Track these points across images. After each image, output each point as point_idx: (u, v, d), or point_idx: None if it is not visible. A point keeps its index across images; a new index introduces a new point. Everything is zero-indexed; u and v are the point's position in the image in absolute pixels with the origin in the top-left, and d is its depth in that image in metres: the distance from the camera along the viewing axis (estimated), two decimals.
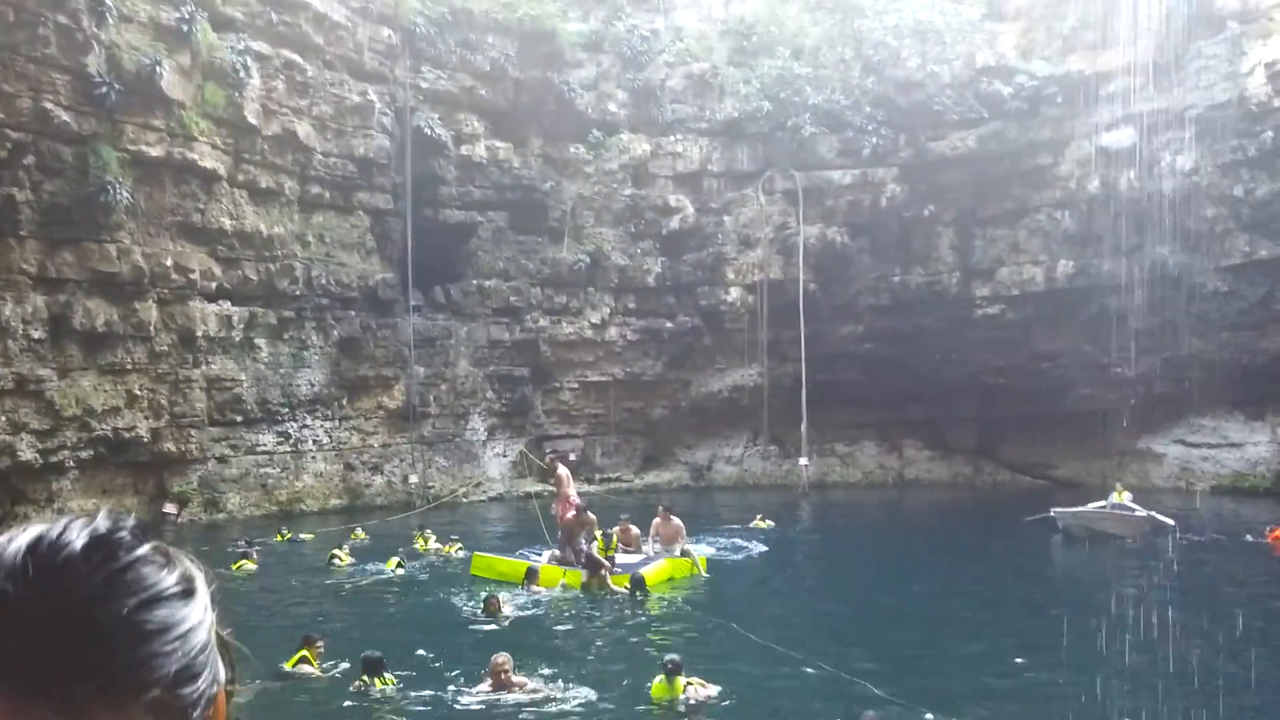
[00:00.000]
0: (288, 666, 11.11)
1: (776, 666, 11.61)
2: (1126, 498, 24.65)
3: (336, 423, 28.37)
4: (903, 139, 32.86)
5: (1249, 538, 21.62)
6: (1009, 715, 9.54)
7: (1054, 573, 19.96)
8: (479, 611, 13.78)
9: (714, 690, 10.06)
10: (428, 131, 29.62)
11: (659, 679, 10.08)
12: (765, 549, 21.57)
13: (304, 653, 11.16)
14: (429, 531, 21.96)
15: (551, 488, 19.29)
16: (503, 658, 9.89)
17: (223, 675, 0.92)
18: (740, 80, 33.67)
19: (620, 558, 17.26)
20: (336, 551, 19.19)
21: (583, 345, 32.86)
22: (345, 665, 11.15)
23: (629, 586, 15.57)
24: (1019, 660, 12.26)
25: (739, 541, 22.29)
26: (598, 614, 14.54)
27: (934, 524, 27.93)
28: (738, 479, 35.25)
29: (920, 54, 32.26)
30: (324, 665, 11.19)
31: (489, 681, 9.88)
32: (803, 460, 33.42)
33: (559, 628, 13.68)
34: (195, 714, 0.87)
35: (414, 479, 29.34)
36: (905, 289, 33.90)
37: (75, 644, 0.81)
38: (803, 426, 33.21)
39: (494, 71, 31.05)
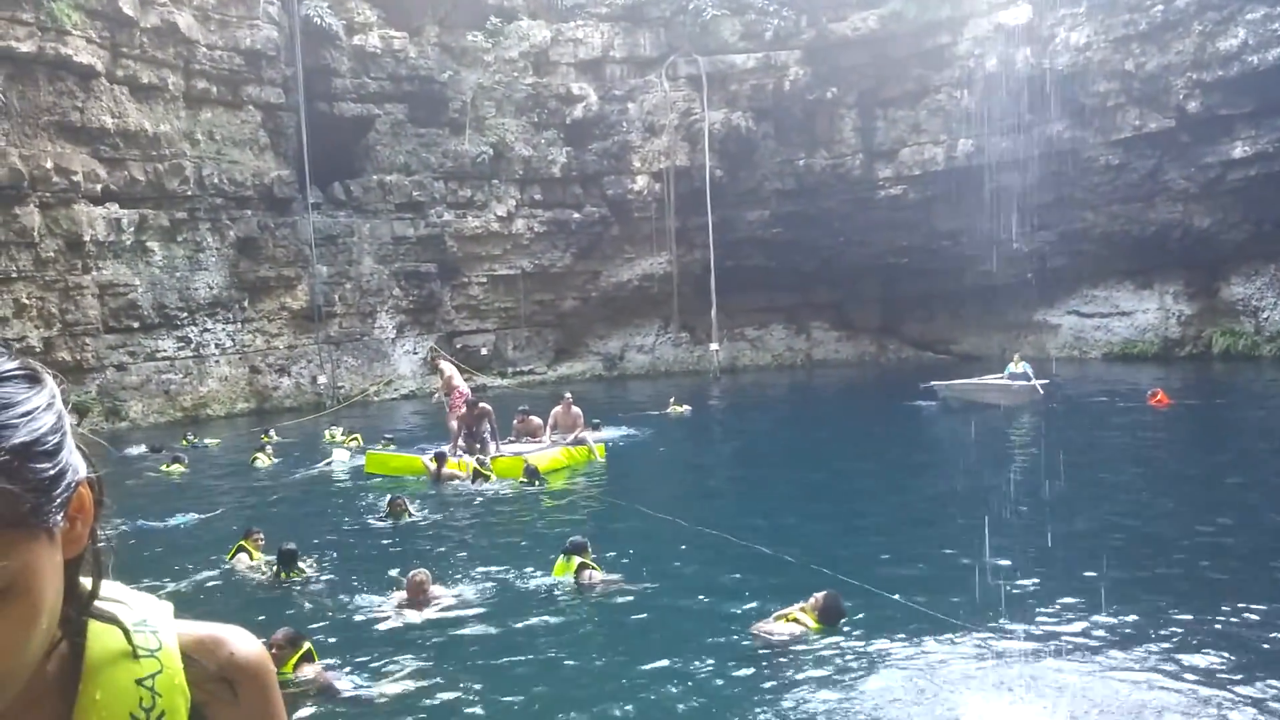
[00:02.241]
0: (227, 558, 11.40)
1: (677, 542, 12.03)
2: (1024, 367, 25.55)
3: (239, 325, 27.96)
4: (804, 21, 32.65)
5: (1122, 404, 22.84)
6: (906, 577, 10.14)
7: (942, 441, 20.80)
8: (383, 515, 13.51)
9: (612, 577, 10.16)
10: (317, 21, 28.55)
11: (560, 559, 10.37)
12: (669, 433, 22.12)
13: (242, 544, 11.44)
14: (339, 429, 22.11)
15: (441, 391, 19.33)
16: (422, 575, 9.43)
17: (83, 469, 0.97)
18: None
19: (520, 447, 17.60)
20: (258, 454, 19.26)
21: (489, 239, 32.63)
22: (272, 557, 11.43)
23: (523, 475, 15.83)
24: (911, 527, 12.94)
25: (648, 428, 22.80)
26: (499, 507, 14.76)
27: (835, 402, 28.83)
28: (650, 367, 35.79)
29: None
30: (267, 558, 11.39)
31: (404, 595, 9.41)
32: (713, 346, 34.06)
33: (462, 524, 13.82)
34: (56, 492, 0.91)
35: (323, 379, 29.22)
36: (810, 172, 34.16)
37: None
38: (712, 313, 33.73)
39: None
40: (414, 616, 9.17)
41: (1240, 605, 8.55)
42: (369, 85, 30.33)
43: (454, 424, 17.71)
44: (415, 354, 31.11)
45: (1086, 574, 9.61)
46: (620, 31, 33.20)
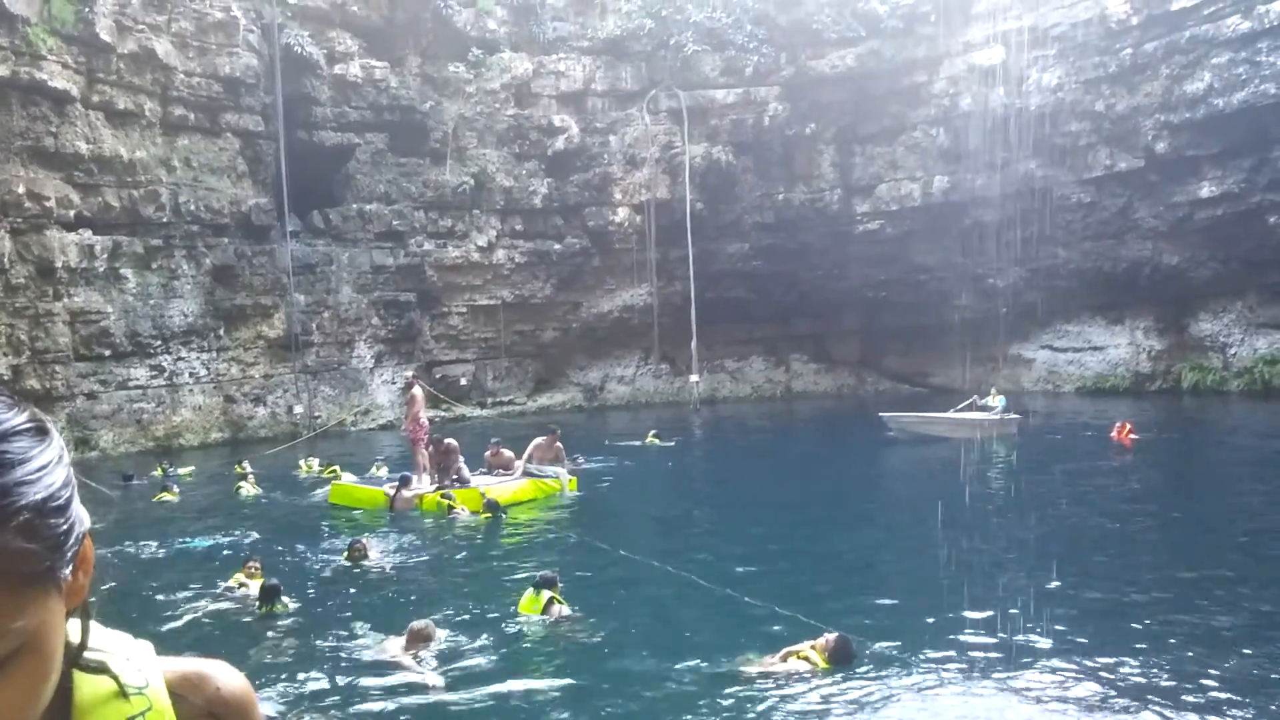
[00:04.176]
0: (229, 584, 11.49)
1: (645, 581, 11.97)
2: (1000, 401, 25.81)
3: (214, 354, 27.63)
4: (784, 57, 33.07)
5: (1090, 433, 23.07)
6: (878, 609, 10.16)
7: (911, 476, 20.75)
8: (343, 559, 12.88)
9: (571, 611, 10.06)
10: (298, 50, 28.52)
11: (528, 592, 10.26)
12: (646, 465, 22.06)
13: (239, 575, 11.60)
14: (313, 460, 21.86)
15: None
16: (422, 625, 9.07)
17: (87, 521, 0.95)
18: None
19: (490, 480, 17.47)
20: (242, 482, 19.09)
21: (470, 269, 32.56)
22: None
23: (483, 508, 15.70)
24: (879, 562, 12.94)
25: (623, 459, 22.72)
26: (462, 543, 14.54)
27: (812, 435, 28.92)
28: (630, 398, 35.75)
29: None
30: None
31: (404, 641, 8.99)
32: (693, 377, 34.10)
33: (424, 561, 13.55)
34: (68, 546, 0.90)
35: (299, 409, 28.91)
36: (789, 206, 34.46)
37: None
38: (693, 344, 33.81)
39: None
40: (404, 660, 8.90)
41: (1202, 644, 8.62)
42: (349, 114, 30.29)
43: (422, 457, 17.57)
44: (393, 384, 30.84)
45: (1071, 617, 9.65)
46: (602, 65, 33.45)
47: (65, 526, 0.90)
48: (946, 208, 32.65)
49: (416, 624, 9.18)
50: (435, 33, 31.56)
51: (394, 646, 9.14)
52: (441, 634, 9.46)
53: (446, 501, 16.06)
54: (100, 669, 1.04)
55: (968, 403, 24.94)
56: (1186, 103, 28.11)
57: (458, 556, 13.83)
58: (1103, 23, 29.01)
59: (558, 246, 33.58)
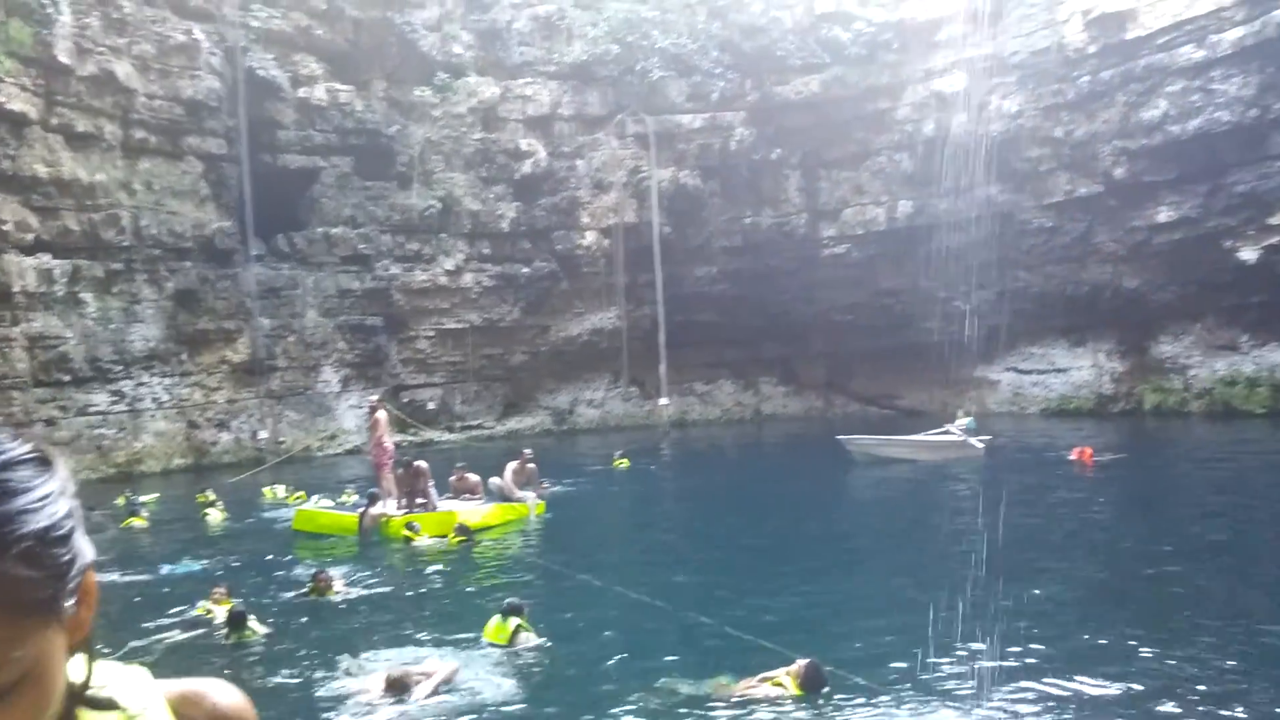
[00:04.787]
0: (197, 612, 11.47)
1: (611, 607, 11.89)
2: (963, 423, 25.94)
3: (176, 379, 27.24)
4: (749, 83, 33.38)
5: (1049, 457, 23.28)
6: (846, 635, 10.15)
7: (873, 499, 20.81)
8: (305, 591, 12.58)
9: (539, 638, 9.96)
10: (262, 73, 28.38)
11: (495, 619, 10.15)
12: (616, 489, 22.00)
13: (206, 603, 11.56)
14: (279, 486, 21.58)
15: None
16: (400, 673, 8.68)
17: (91, 553, 0.95)
18: (588, 23, 33.44)
19: (457, 505, 17.33)
20: (209, 509, 18.83)
21: (437, 292, 32.40)
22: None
23: (454, 533, 15.57)
24: (847, 591, 12.94)
25: (593, 482, 22.65)
26: (429, 570, 14.38)
27: (780, 458, 28.99)
28: (600, 421, 35.65)
29: None
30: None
31: (381, 685, 8.65)
32: (663, 400, 34.10)
33: (391, 588, 13.36)
34: (70, 577, 0.90)
35: (264, 434, 28.53)
36: (756, 230, 34.67)
37: None
38: (661, 367, 33.82)
39: (330, 10, 29.91)
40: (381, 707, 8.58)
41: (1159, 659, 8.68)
42: (314, 138, 30.14)
43: (388, 481, 17.40)
44: (360, 408, 30.49)
45: (1040, 638, 9.69)
46: (569, 89, 33.57)
47: (67, 557, 0.90)
48: (911, 232, 32.99)
49: (394, 672, 8.80)
50: (401, 56, 31.53)
51: (373, 688, 8.81)
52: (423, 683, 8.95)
53: (409, 533, 15.87)
54: (108, 705, 1.03)
55: (942, 430, 25.04)
56: (1143, 129, 28.66)
57: (425, 584, 13.67)
58: (1060, 51, 29.57)
59: (526, 270, 33.53)
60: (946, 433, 24.79)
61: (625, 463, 24.63)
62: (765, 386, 38.14)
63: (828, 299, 35.55)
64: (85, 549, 0.94)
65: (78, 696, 1.00)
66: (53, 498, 0.90)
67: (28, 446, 0.92)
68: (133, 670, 1.13)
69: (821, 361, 38.32)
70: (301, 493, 20.60)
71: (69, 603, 0.91)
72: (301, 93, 29.68)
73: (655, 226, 33.15)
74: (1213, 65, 27.16)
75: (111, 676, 1.08)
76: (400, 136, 31.24)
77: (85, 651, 1.00)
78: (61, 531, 0.90)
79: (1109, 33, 28.67)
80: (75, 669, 0.99)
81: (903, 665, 8.87)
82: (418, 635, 10.88)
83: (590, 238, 33.72)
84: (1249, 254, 28.43)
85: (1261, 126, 26.85)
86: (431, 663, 9.21)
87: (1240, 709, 7.69)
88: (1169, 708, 7.77)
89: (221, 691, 1.16)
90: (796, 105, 33.32)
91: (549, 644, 10.07)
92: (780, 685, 8.07)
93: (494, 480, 18.06)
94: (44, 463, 0.93)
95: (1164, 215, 29.63)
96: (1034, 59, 30.05)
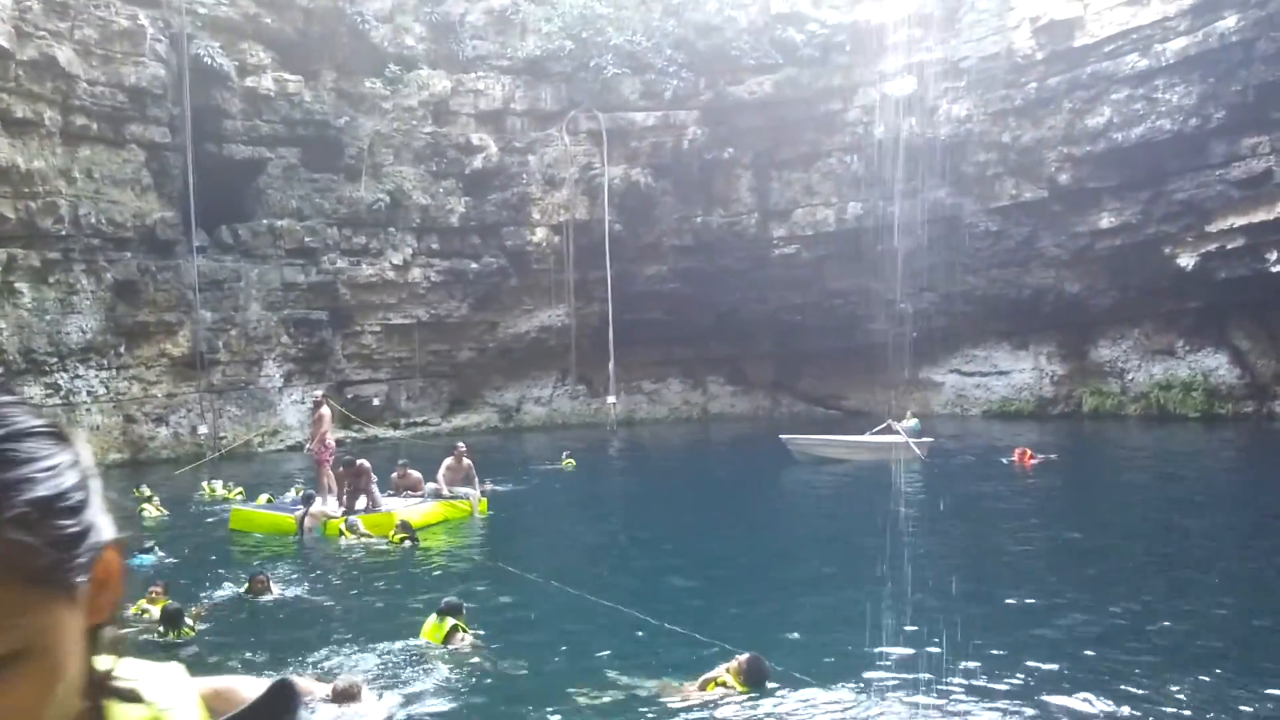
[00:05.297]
0: (132, 611, 11.13)
1: (553, 605, 11.85)
2: (909, 425, 26.22)
3: (114, 372, 26.61)
4: (703, 82, 33.44)
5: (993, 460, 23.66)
6: (788, 630, 10.22)
7: (816, 498, 20.94)
8: (243, 592, 12.37)
9: (477, 638, 9.86)
10: (208, 61, 27.80)
11: (431, 618, 10.03)
12: (560, 487, 21.95)
13: (142, 601, 11.32)
14: (216, 482, 21.19)
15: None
16: (347, 684, 8.40)
17: (110, 532, 0.93)
18: (542, 18, 33.27)
19: (399, 502, 17.15)
20: (145, 504, 18.39)
21: (384, 287, 32.04)
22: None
23: (396, 532, 15.41)
24: (789, 588, 13.04)
25: (539, 480, 22.56)
26: (369, 570, 14.20)
27: (726, 457, 29.12)
28: (547, 419, 35.53)
29: None
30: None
31: (328, 695, 8.32)
32: (611, 399, 34.05)
33: (330, 590, 13.19)
34: (78, 550, 0.88)
35: (203, 429, 28.00)
36: (707, 229, 34.77)
37: None
38: (610, 365, 33.77)
39: None
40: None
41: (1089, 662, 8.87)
42: (261, 128, 29.60)
43: (328, 478, 17.17)
44: (303, 404, 30.08)
45: (978, 629, 9.84)
46: (521, 85, 33.37)
47: (73, 530, 0.88)
48: (860, 233, 33.29)
49: (341, 682, 8.55)
50: (351, 47, 31.10)
51: (318, 693, 8.43)
52: (370, 694, 8.73)
53: (348, 532, 15.66)
54: (133, 697, 1.01)
55: (883, 426, 25.33)
56: (1088, 136, 29.21)
57: (364, 584, 13.50)
58: (1009, 57, 30.03)
59: (475, 266, 33.28)
60: (889, 429, 25.08)
61: (571, 463, 24.56)
62: (713, 386, 38.29)
63: (777, 299, 35.76)
64: (102, 527, 0.92)
65: (103, 686, 0.98)
66: (59, 469, 0.89)
67: (41, 420, 0.92)
68: (168, 666, 1.13)
69: (770, 361, 38.56)
70: (240, 489, 20.24)
71: (79, 579, 0.89)
72: (249, 82, 29.14)
73: (606, 224, 33.10)
74: (1156, 74, 27.75)
75: (143, 672, 1.07)
76: (349, 128, 30.82)
77: (110, 639, 0.98)
78: (68, 503, 0.88)
79: (1057, 40, 29.18)
80: (103, 660, 0.98)
81: (844, 660, 8.96)
82: (355, 636, 10.73)
83: (541, 234, 33.57)
84: (1187, 260, 29.12)
85: (1201, 136, 27.50)
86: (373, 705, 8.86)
87: (1173, 707, 7.86)
88: (1104, 702, 7.92)
89: (253, 687, 1.17)
90: (749, 105, 33.46)
91: (487, 644, 9.99)
92: (724, 684, 8.10)
93: (429, 486, 17.86)
94: (58, 438, 0.92)
95: (1106, 221, 30.24)
96: (983, 64, 30.48)
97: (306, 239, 30.34)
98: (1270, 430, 28.50)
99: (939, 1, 31.00)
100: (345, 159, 30.96)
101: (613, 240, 33.21)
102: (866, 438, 25.07)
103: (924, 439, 24.92)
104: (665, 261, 35.13)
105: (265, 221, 29.88)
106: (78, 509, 0.90)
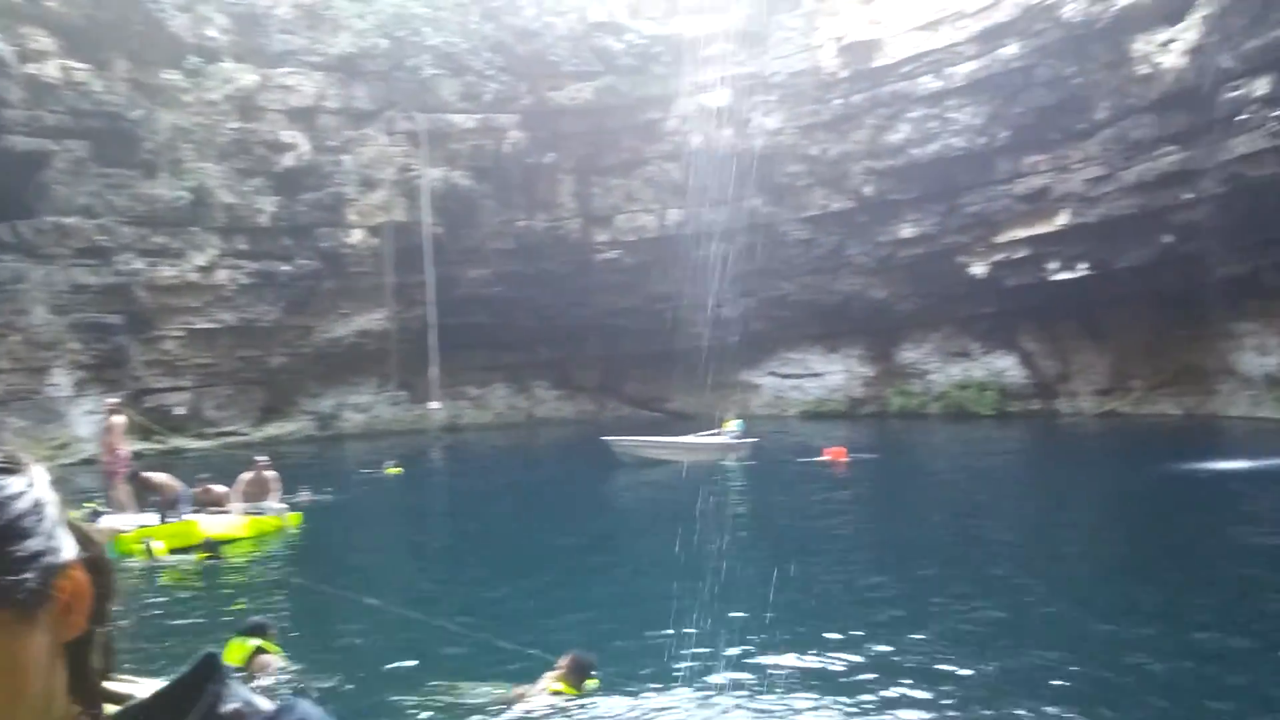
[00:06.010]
0: None
1: (364, 620, 11.51)
2: (732, 426, 26.84)
3: None
4: (524, 87, 33.35)
5: (802, 460, 24.66)
6: (609, 632, 10.28)
7: (639, 501, 21.26)
8: None
9: (284, 659, 9.46)
10: None
11: (234, 640, 9.51)
12: (381, 497, 21.38)
13: None
14: None
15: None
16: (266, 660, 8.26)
17: (71, 551, 0.94)
18: (354, 15, 32.29)
19: (203, 519, 16.24)
20: None
21: (187, 290, 30.23)
22: None
23: (199, 548, 14.62)
24: (603, 591, 13.14)
25: (359, 490, 21.87)
26: (168, 588, 13.41)
27: (551, 462, 29.13)
28: (367, 426, 34.47)
29: (536, 3, 32.88)
30: None
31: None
32: (433, 404, 33.41)
33: (129, 612, 12.39)
34: (29, 572, 0.90)
35: None
36: (530, 234, 34.67)
37: None
38: (433, 370, 33.13)
39: None
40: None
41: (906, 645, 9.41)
42: (45, 118, 27.37)
43: (119, 492, 16.08)
44: (97, 414, 27.97)
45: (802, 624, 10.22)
46: (334, 82, 32.25)
47: (22, 554, 0.90)
48: (680, 239, 34.03)
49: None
50: (147, 36, 29.20)
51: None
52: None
53: (145, 545, 14.70)
54: (124, 701, 1.02)
55: (714, 432, 25.90)
56: (889, 151, 30.95)
57: (164, 604, 12.67)
58: (816, 74, 31.45)
59: (286, 268, 31.91)
60: (718, 434, 25.72)
61: (398, 469, 23.97)
62: (539, 390, 38.20)
63: (601, 303, 36.06)
64: (62, 549, 0.94)
65: (94, 693, 1.00)
66: (10, 499, 0.91)
67: None
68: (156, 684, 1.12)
69: (595, 365, 38.83)
70: None
71: (36, 598, 0.90)
72: (30, 68, 26.89)
73: (425, 226, 32.45)
74: (948, 95, 29.70)
75: (140, 689, 1.06)
76: (145, 121, 28.91)
77: (90, 656, 1.00)
78: (21, 531, 0.90)
79: (859, 60, 30.77)
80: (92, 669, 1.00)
81: (669, 660, 9.06)
82: (149, 660, 10.06)
83: (357, 236, 32.56)
84: (979, 269, 31.29)
85: (988, 153, 29.65)
86: None
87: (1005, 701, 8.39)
88: (920, 688, 8.36)
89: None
90: (570, 111, 33.61)
91: (294, 664, 9.56)
92: (552, 690, 8.06)
93: (234, 506, 16.94)
94: (9, 471, 0.93)
95: (907, 231, 32.10)
96: (792, 80, 31.78)
97: (98, 238, 28.27)
98: (1054, 426, 30.99)
99: (750, 18, 32.08)
100: (142, 154, 29.04)
101: (434, 243, 32.63)
102: (694, 439, 25.55)
103: (746, 439, 25.67)
104: (488, 265, 34.80)
105: (51, 219, 27.65)
106: (28, 533, 0.91)
